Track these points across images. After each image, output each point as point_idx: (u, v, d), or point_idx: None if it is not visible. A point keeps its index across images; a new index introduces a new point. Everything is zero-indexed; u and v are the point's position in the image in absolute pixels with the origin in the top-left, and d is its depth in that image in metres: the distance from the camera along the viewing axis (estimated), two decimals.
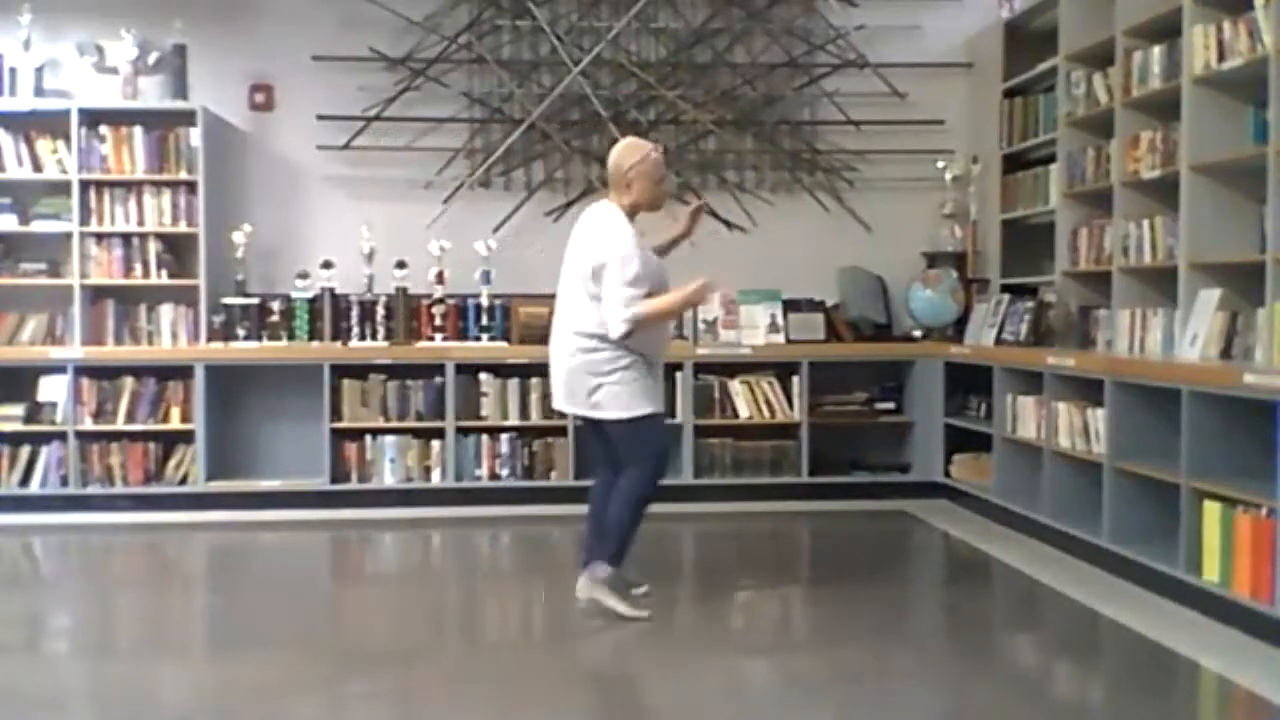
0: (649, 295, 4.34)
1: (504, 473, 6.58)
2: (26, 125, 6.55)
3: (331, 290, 6.65)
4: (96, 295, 6.65)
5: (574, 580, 4.51)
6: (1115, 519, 4.93)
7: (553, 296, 4.56)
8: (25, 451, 6.43)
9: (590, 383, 4.37)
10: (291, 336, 6.66)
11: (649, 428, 4.41)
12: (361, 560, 5.96)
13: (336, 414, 6.50)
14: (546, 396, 5.73)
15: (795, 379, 6.66)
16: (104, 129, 6.56)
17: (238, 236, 6.62)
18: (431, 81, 6.90)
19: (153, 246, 6.60)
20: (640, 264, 4.32)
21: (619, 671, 4.03)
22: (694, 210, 4.73)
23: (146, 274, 6.60)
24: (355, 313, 6.66)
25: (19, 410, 6.42)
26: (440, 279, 6.66)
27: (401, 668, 3.89)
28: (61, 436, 6.41)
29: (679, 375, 6.58)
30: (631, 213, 4.46)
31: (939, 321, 6.78)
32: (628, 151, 4.47)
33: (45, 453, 6.42)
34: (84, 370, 6.45)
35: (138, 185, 6.59)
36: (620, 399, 4.37)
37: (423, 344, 6.65)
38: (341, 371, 6.53)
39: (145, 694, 3.73)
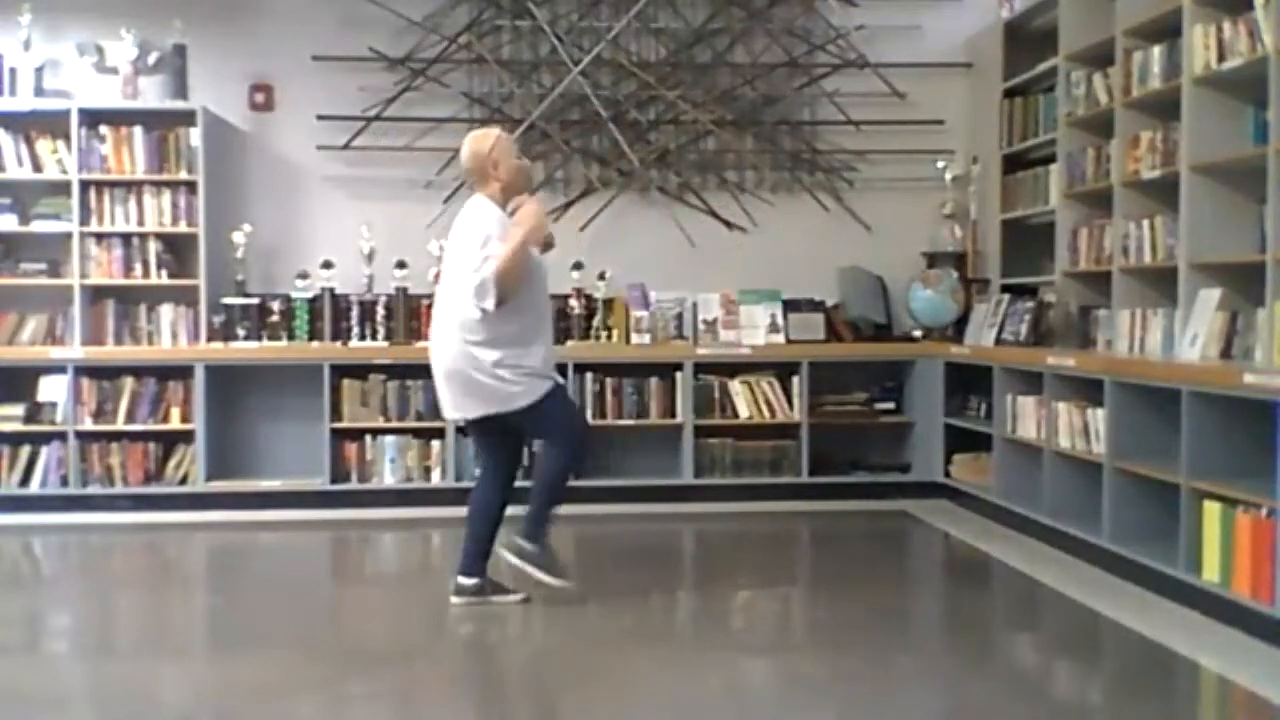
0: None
1: None
2: (26, 125, 6.55)
3: (331, 290, 6.65)
4: (96, 295, 6.65)
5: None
6: (1115, 519, 4.93)
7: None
8: (25, 451, 6.43)
9: (483, 379, 4.31)
10: (291, 336, 6.66)
11: (555, 403, 4.38)
12: (361, 560, 5.96)
13: (336, 414, 6.50)
14: None
15: (795, 379, 6.65)
16: (104, 129, 6.56)
17: (238, 236, 6.62)
18: (431, 81, 6.90)
19: (153, 246, 6.59)
20: (499, 237, 4.26)
21: (619, 671, 4.02)
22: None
23: (146, 274, 6.60)
24: (355, 313, 6.67)
25: (19, 410, 6.42)
26: (440, 279, 6.64)
27: (401, 668, 3.89)
28: (61, 436, 6.41)
29: (679, 375, 6.58)
30: (504, 199, 4.43)
31: (939, 321, 6.78)
32: (480, 140, 4.46)
33: (45, 453, 6.42)
34: (84, 370, 6.45)
35: (138, 185, 6.58)
36: (521, 387, 4.31)
37: (423, 344, 6.62)
38: (341, 371, 6.54)
39: (145, 694, 3.73)
